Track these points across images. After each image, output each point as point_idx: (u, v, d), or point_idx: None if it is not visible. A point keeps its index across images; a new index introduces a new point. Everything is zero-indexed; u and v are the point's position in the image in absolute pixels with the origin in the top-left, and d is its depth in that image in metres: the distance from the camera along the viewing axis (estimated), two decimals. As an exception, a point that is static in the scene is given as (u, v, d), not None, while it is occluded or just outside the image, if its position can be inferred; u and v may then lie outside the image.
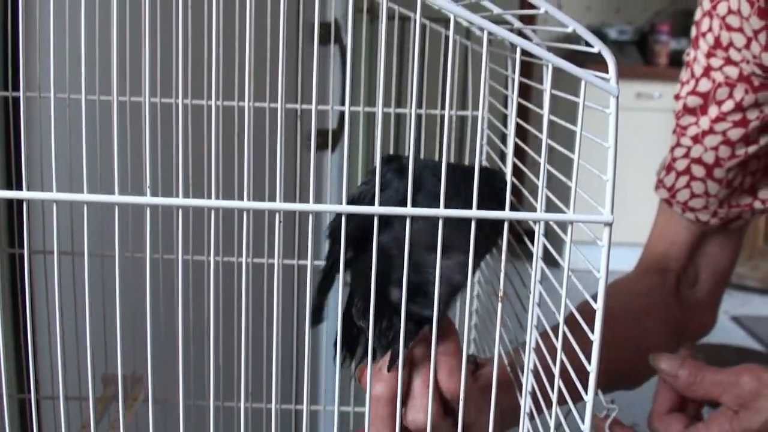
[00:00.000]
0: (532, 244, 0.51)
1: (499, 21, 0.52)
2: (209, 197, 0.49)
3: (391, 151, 0.80)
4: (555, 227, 0.51)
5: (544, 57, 0.44)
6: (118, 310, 0.52)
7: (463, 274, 0.55)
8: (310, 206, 0.48)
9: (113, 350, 0.54)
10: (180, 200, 0.48)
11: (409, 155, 0.58)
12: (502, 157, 0.74)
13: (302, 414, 0.63)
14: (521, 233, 0.65)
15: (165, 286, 0.74)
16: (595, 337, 0.48)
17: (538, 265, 0.52)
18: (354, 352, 0.66)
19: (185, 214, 0.51)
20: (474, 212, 0.46)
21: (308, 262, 0.49)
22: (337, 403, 0.54)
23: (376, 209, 0.48)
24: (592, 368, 0.50)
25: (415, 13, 0.46)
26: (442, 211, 0.47)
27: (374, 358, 0.55)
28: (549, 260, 0.56)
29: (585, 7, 5.64)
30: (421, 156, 0.64)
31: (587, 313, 0.50)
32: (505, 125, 0.76)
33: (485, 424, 0.56)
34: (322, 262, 0.66)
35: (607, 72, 0.43)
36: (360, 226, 0.56)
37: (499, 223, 0.49)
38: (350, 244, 0.60)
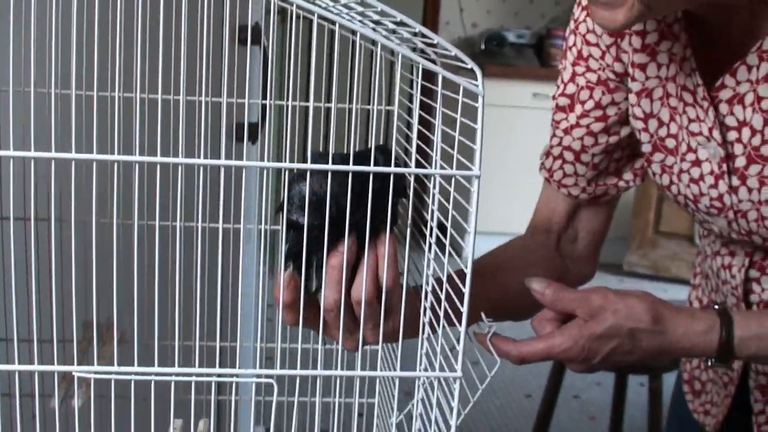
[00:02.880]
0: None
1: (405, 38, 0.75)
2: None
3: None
4: (445, 184, 0.74)
5: (436, 70, 0.67)
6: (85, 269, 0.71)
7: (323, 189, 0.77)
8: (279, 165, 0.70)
9: (92, 300, 0.73)
10: (174, 159, 0.69)
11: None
12: (408, 140, 0.97)
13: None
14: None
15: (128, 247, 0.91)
16: (468, 271, 0.72)
17: (435, 215, 0.75)
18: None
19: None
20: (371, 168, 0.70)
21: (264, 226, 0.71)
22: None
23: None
24: (466, 296, 0.74)
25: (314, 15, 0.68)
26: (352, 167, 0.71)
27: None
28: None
29: (485, 11, 5.88)
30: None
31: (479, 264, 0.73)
32: (410, 117, 0.98)
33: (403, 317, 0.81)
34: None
35: (476, 80, 0.65)
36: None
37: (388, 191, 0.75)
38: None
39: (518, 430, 3.43)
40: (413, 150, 0.88)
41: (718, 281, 1.21)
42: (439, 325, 0.83)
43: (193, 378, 0.71)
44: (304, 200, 0.77)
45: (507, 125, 5.17)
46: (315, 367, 0.78)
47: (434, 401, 0.79)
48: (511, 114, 5.20)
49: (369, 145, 0.85)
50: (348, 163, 0.73)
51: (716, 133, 1.04)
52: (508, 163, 5.18)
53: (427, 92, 0.84)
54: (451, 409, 0.77)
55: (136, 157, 0.69)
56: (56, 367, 0.70)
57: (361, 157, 0.76)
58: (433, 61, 0.73)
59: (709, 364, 0.99)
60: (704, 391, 1.32)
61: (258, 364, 0.90)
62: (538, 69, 5.46)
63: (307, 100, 0.99)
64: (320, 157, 0.80)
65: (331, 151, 0.77)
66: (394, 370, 0.92)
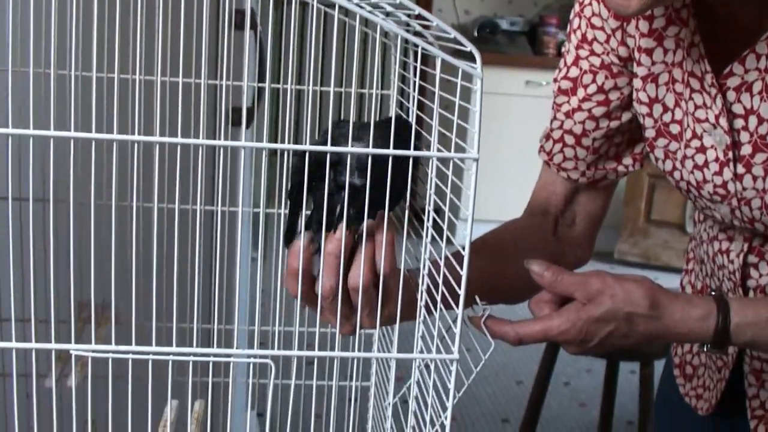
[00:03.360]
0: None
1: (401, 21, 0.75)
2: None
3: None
4: (443, 168, 0.74)
5: (436, 53, 0.67)
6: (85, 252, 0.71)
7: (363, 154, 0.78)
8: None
9: (87, 282, 0.74)
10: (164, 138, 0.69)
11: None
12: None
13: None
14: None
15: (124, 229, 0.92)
16: (466, 252, 0.72)
17: (431, 198, 0.76)
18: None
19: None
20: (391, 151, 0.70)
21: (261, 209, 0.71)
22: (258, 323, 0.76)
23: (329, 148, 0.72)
24: (464, 278, 0.74)
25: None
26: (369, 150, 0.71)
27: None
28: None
29: (479, -2, 5.93)
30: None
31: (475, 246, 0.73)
32: (404, 99, 0.99)
33: (400, 301, 0.81)
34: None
35: (475, 63, 0.66)
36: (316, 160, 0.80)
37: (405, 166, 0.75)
38: (310, 172, 0.82)
39: (510, 416, 3.44)
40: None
41: (714, 266, 1.22)
42: (435, 308, 0.83)
43: (191, 358, 0.71)
44: (361, 162, 0.77)
45: (499, 113, 5.16)
46: (311, 350, 0.79)
47: (430, 383, 0.79)
48: (504, 102, 5.19)
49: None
50: (389, 132, 0.73)
51: (723, 121, 1.05)
52: (500, 151, 5.17)
53: (420, 75, 0.84)
54: (447, 391, 0.78)
55: (135, 137, 0.69)
56: (54, 345, 0.70)
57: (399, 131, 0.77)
58: (431, 44, 0.73)
59: (705, 349, 1.00)
60: (696, 375, 1.33)
61: (255, 345, 0.90)
62: (531, 57, 5.46)
63: (300, 83, 0.99)
64: (361, 127, 0.80)
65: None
66: (390, 352, 0.92)
